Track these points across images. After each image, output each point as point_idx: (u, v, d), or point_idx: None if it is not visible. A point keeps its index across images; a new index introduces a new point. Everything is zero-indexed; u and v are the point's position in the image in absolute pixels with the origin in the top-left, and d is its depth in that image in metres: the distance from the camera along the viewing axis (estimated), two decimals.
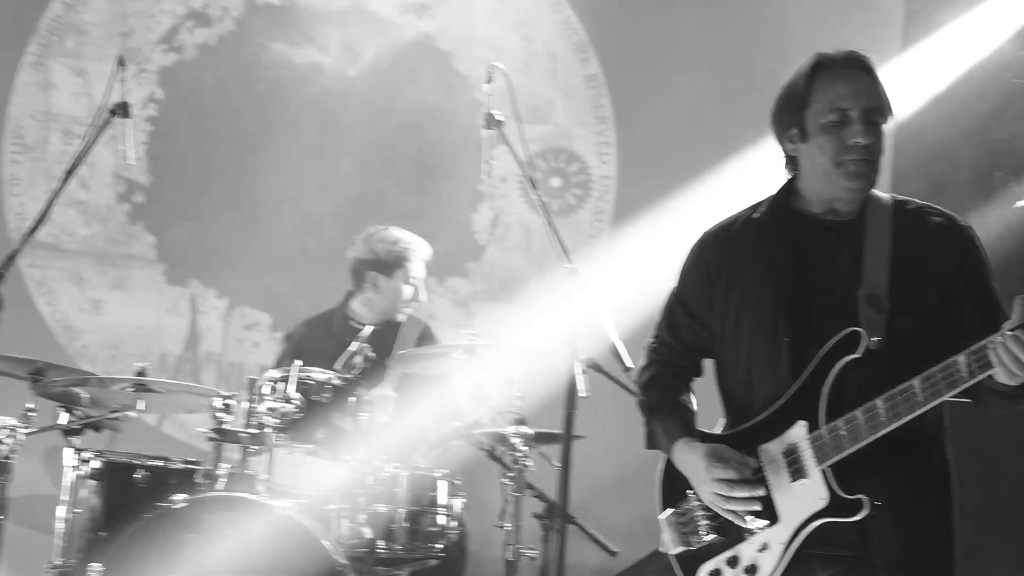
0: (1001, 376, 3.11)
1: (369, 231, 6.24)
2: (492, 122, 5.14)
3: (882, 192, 3.52)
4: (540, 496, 5.75)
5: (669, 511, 3.57)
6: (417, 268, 6.20)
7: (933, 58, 6.92)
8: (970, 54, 6.92)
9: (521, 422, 5.50)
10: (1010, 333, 3.06)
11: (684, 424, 3.55)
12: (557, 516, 5.02)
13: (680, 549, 3.53)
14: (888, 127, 3.48)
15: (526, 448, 5.45)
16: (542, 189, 6.72)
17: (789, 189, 3.56)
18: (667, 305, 3.70)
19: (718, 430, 3.59)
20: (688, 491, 3.50)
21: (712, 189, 6.44)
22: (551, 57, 7.09)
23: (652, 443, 3.61)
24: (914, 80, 6.81)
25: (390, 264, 6.17)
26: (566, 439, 4.86)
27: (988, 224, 6.73)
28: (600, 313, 4.98)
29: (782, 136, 3.51)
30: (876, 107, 3.41)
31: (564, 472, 4.85)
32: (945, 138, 6.94)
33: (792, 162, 3.52)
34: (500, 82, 5.16)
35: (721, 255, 3.59)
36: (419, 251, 6.22)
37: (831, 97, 3.39)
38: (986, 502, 4.86)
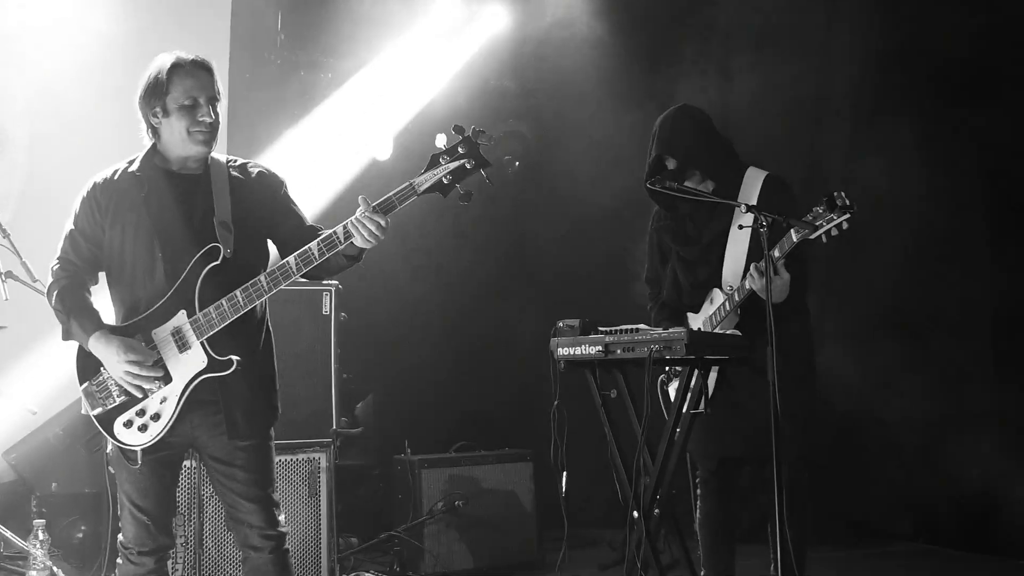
0: (359, 241, 3.24)
1: None
2: None
3: (218, 154, 3.54)
4: None
5: (86, 383, 3.39)
6: None
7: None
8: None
9: None
10: (365, 216, 3.18)
11: (94, 321, 3.39)
12: None
13: (98, 410, 3.38)
14: (222, 108, 3.49)
15: None
16: None
17: (154, 151, 3.49)
18: (68, 234, 3.50)
19: (112, 322, 3.45)
20: (101, 368, 3.36)
21: (101, 146, 5.94)
22: None
23: (69, 336, 3.42)
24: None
25: None
26: None
27: None
28: (12, 238, 4.80)
29: (148, 113, 3.43)
30: (215, 96, 3.43)
31: None
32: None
33: (156, 132, 3.44)
34: None
35: (107, 197, 3.45)
36: None
37: (185, 88, 3.37)
38: (290, 356, 4.95)
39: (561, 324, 4.20)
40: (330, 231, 3.29)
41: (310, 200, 6.54)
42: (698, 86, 6.77)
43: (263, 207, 3.48)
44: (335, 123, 7.19)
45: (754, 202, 4.02)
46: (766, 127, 6.37)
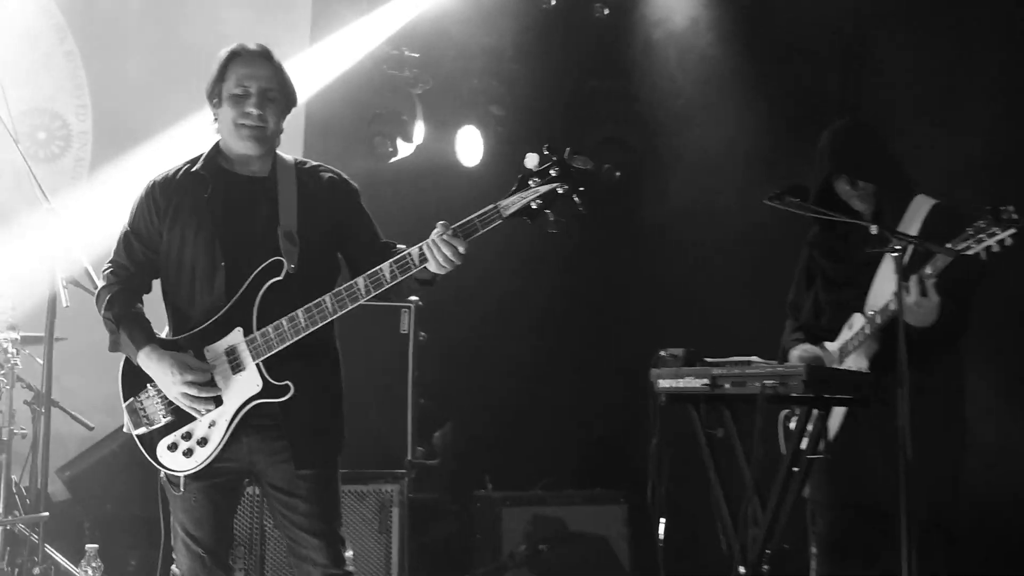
0: (433, 266, 3.24)
1: None
2: None
3: (287, 155, 3.54)
4: (29, 386, 5.32)
5: (131, 399, 3.43)
6: None
7: (334, 52, 6.92)
8: (358, 50, 6.97)
9: (12, 328, 5.19)
10: (442, 239, 3.20)
11: (145, 333, 3.41)
12: (42, 402, 4.80)
13: (141, 430, 3.41)
14: (294, 103, 3.51)
15: (15, 349, 5.12)
16: (30, 140, 6.26)
17: (217, 149, 3.50)
18: (123, 236, 3.54)
19: (162, 334, 3.48)
20: (148, 384, 3.38)
21: (166, 144, 6.20)
22: (32, 36, 6.48)
23: (116, 348, 3.46)
24: (319, 67, 6.78)
25: None
26: (48, 340, 4.76)
27: (372, 173, 6.94)
28: (75, 241, 4.82)
29: (210, 103, 3.48)
30: (271, 88, 3.42)
31: (47, 367, 4.74)
32: (342, 112, 6.99)
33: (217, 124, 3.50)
34: None
35: (167, 198, 3.46)
36: None
37: (238, 76, 3.40)
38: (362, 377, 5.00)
39: (663, 353, 4.14)
40: (404, 252, 3.29)
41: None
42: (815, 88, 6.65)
43: (333, 218, 3.46)
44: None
45: (915, 231, 3.94)
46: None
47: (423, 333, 5.55)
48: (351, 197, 3.54)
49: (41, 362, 4.85)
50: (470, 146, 7.45)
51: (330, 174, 3.55)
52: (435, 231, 3.23)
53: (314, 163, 3.57)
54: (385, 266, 3.26)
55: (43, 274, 4.97)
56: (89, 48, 6.63)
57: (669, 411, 4.13)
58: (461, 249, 3.20)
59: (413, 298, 5.38)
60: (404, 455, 5.34)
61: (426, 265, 3.24)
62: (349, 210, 3.51)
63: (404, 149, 7.15)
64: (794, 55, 6.79)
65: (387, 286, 3.28)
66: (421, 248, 3.25)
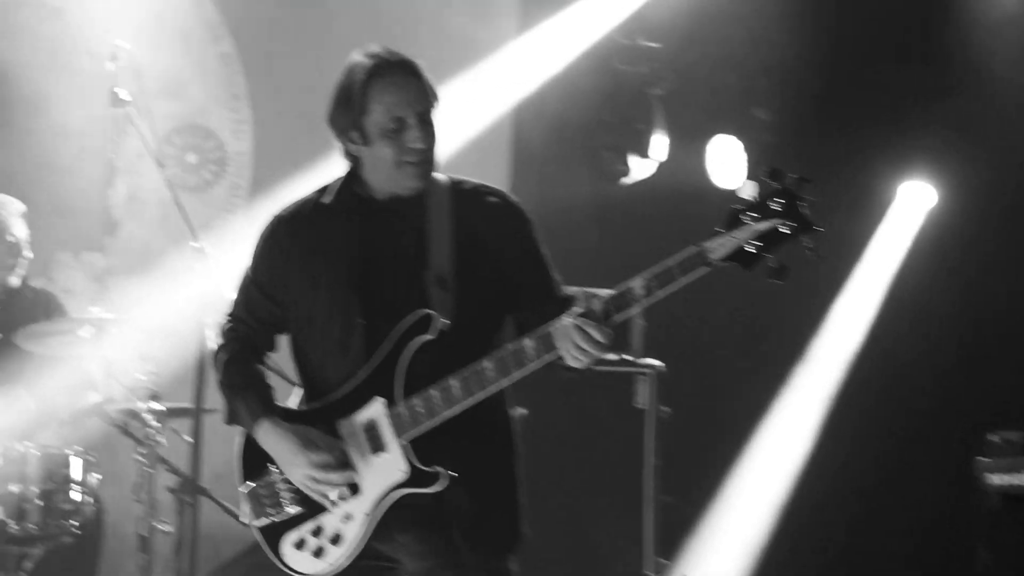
0: (568, 360, 3.25)
1: None
2: (117, 101, 5.17)
3: (439, 174, 3.57)
4: (173, 470, 5.57)
5: (251, 484, 3.53)
6: (16, 226, 5.77)
7: (548, 43, 7.06)
8: (579, 41, 7.09)
9: (154, 397, 5.42)
10: (572, 322, 3.19)
11: (264, 402, 3.50)
12: (189, 489, 5.01)
13: (264, 521, 3.49)
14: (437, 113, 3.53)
15: (158, 424, 5.38)
16: (178, 165, 6.66)
17: (353, 176, 3.55)
18: (242, 284, 3.65)
19: (293, 402, 3.57)
20: (270, 464, 3.47)
21: (341, 169, 6.42)
22: (183, 35, 6.86)
23: (233, 420, 3.55)
24: (533, 62, 6.92)
25: None
26: (197, 413, 4.88)
27: (596, 197, 7.00)
28: (230, 289, 5.01)
29: (342, 136, 3.50)
30: (428, 108, 3.48)
31: (195, 445, 4.88)
32: (558, 122, 7.09)
33: (354, 158, 3.52)
34: (126, 60, 5.17)
35: (293, 237, 3.55)
36: (10, 207, 5.80)
37: (387, 106, 3.42)
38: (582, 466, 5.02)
39: (994, 437, 4.06)
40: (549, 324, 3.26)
41: None
42: None
43: (497, 256, 3.49)
44: None
45: None
46: None
47: (666, 407, 5.52)
48: (522, 230, 3.55)
49: (189, 440, 5.09)
50: (727, 162, 7.43)
51: (495, 198, 3.57)
52: (574, 306, 3.23)
53: (475, 182, 3.60)
54: (528, 340, 3.28)
55: (191, 330, 5.24)
56: (250, 50, 6.97)
57: (1005, 514, 4.03)
58: (598, 336, 3.17)
59: (654, 361, 5.36)
60: (640, 570, 5.31)
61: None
62: (519, 246, 3.53)
63: (640, 167, 7.21)
64: None
65: (530, 365, 3.28)
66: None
